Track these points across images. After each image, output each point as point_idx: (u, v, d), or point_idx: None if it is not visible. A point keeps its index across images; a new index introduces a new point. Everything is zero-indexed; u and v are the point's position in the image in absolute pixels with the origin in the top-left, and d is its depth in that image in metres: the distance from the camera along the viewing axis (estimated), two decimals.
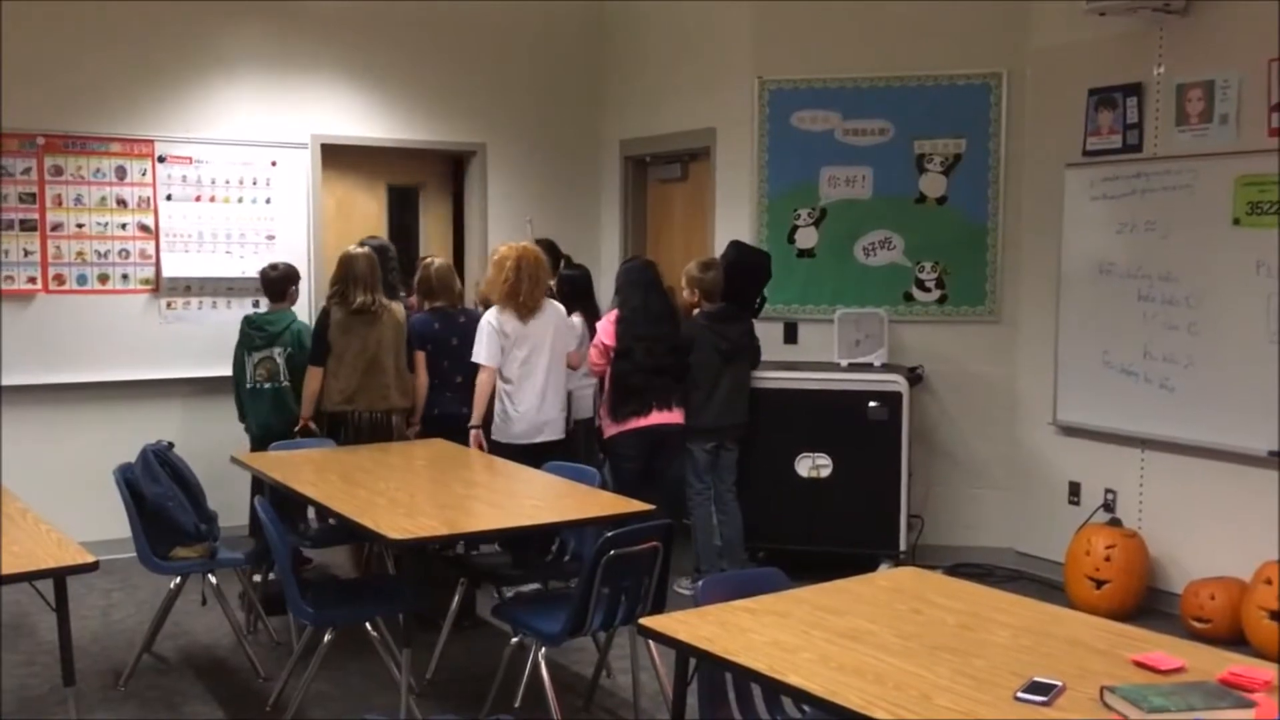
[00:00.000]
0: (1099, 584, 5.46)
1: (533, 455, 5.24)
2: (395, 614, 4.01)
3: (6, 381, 6.07)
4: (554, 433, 5.51)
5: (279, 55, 6.73)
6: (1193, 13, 5.32)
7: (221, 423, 6.50)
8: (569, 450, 5.64)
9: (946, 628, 2.83)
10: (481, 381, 5.40)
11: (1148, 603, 5.57)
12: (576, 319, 5.91)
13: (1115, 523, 5.65)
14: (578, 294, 6.15)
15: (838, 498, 5.90)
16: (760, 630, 2.78)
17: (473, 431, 5.44)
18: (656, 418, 5.64)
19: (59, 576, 3.36)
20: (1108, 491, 5.81)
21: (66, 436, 6.21)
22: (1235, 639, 4.97)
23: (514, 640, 3.96)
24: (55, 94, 6.15)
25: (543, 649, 3.84)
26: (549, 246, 6.20)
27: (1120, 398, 5.68)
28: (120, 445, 5.24)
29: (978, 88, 6.21)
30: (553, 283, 5.95)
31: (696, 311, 5.85)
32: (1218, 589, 5.15)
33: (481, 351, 5.39)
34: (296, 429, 5.71)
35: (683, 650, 2.74)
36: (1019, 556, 6.29)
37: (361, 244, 5.88)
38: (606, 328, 5.73)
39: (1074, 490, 6.00)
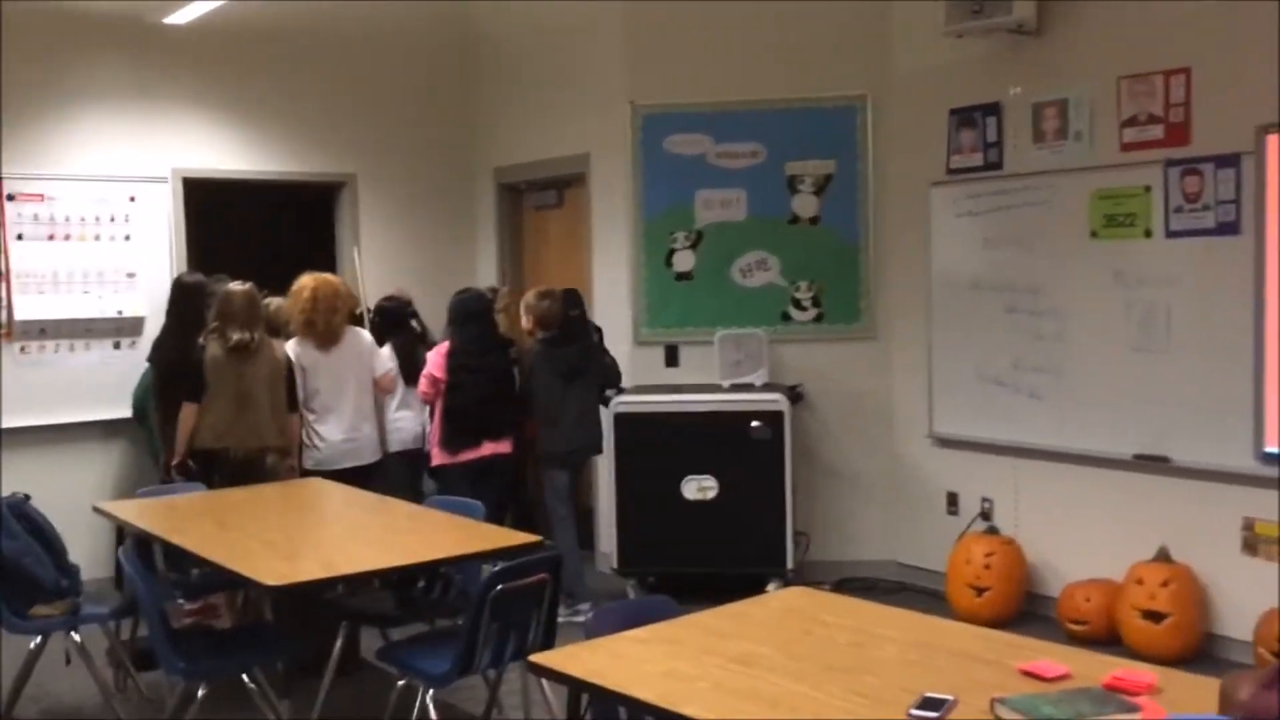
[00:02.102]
0: (980, 591, 5.57)
1: (343, 480, 5.36)
2: (272, 663, 3.85)
3: None
4: (362, 458, 5.73)
5: (136, 86, 6.50)
6: (1046, 33, 5.51)
7: (82, 470, 6.26)
8: (384, 478, 5.78)
9: (837, 646, 2.83)
10: (292, 418, 5.54)
11: (1027, 607, 5.70)
12: (386, 350, 6.05)
13: (992, 531, 5.78)
14: (389, 325, 6.25)
15: (725, 519, 5.90)
16: (653, 660, 2.74)
17: (291, 462, 5.57)
18: (488, 449, 5.81)
19: None
20: (984, 500, 5.94)
21: None
22: (1111, 639, 5.12)
23: (400, 683, 3.83)
24: None
25: (431, 690, 3.73)
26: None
27: (993, 408, 5.82)
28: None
29: (844, 110, 6.32)
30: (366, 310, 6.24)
31: (533, 339, 6.02)
32: (1093, 591, 5.29)
33: (293, 384, 5.53)
34: (174, 465, 5.52)
35: (574, 686, 2.68)
36: (901, 568, 6.38)
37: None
38: (436, 360, 5.82)
39: (952, 500, 6.12)
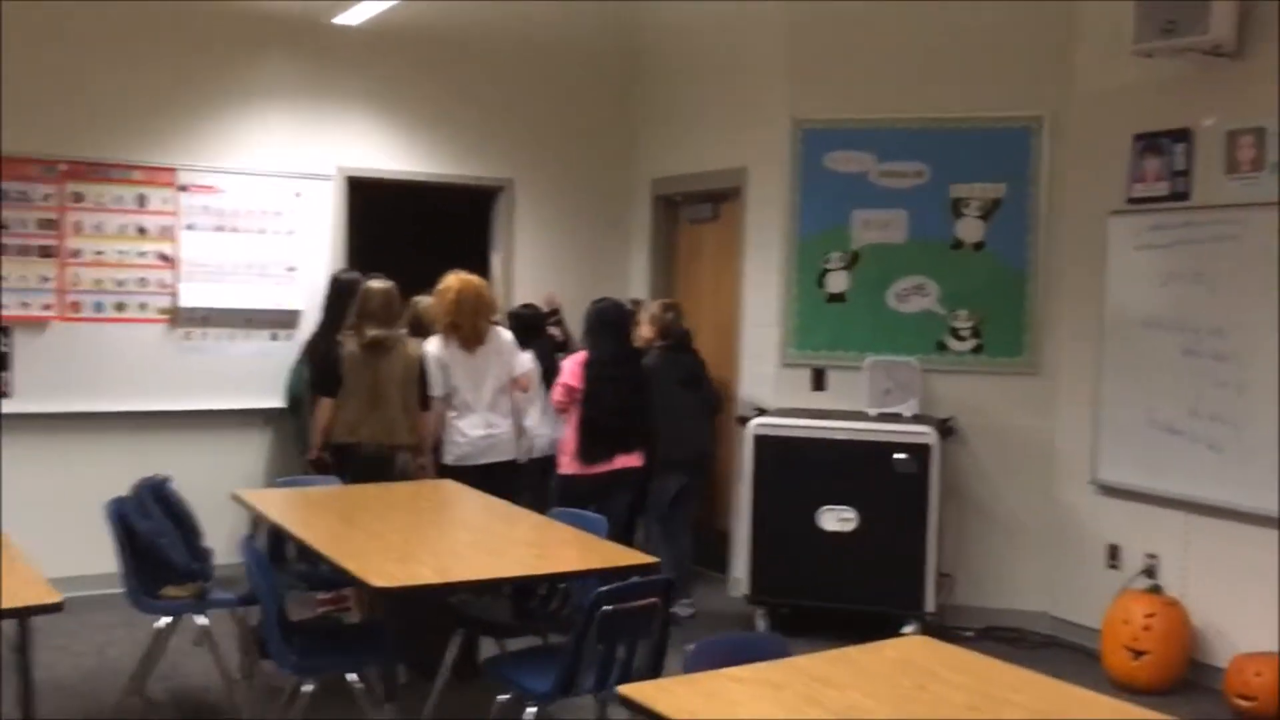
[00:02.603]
0: (1137, 654, 5.15)
1: (481, 478, 5.42)
2: (383, 665, 3.80)
3: (20, 409, 5.99)
4: (501, 454, 5.69)
5: (306, 86, 6.66)
6: (1244, 56, 5.08)
7: (232, 456, 6.42)
8: (521, 479, 5.81)
9: (952, 708, 2.59)
10: (430, 413, 5.60)
11: (1190, 676, 5.24)
12: (528, 353, 6.03)
13: (1156, 589, 5.35)
14: (522, 332, 6.20)
15: (863, 553, 5.64)
16: (749, 703, 2.56)
17: (419, 461, 5.64)
18: (620, 462, 5.75)
19: (22, 617, 3.19)
20: (1149, 556, 5.51)
21: (78, 466, 6.08)
22: None
23: (500, 698, 3.74)
24: (77, 119, 6.11)
25: (532, 708, 3.62)
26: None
27: (1164, 457, 5.39)
28: (131, 476, 5.00)
29: (1018, 131, 5.99)
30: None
31: (652, 345, 6.13)
32: (1264, 665, 4.82)
33: (429, 382, 5.58)
34: (311, 459, 5.66)
35: None
36: (1054, 621, 5.98)
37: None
38: (573, 369, 5.78)
39: (1113, 553, 5.69)
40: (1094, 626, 5.52)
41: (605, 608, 3.45)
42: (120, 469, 5.87)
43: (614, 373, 5.74)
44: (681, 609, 6.06)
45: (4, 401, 5.97)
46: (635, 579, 3.63)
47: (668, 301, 6.42)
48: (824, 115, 6.22)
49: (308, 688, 3.82)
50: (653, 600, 3.58)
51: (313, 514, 4.57)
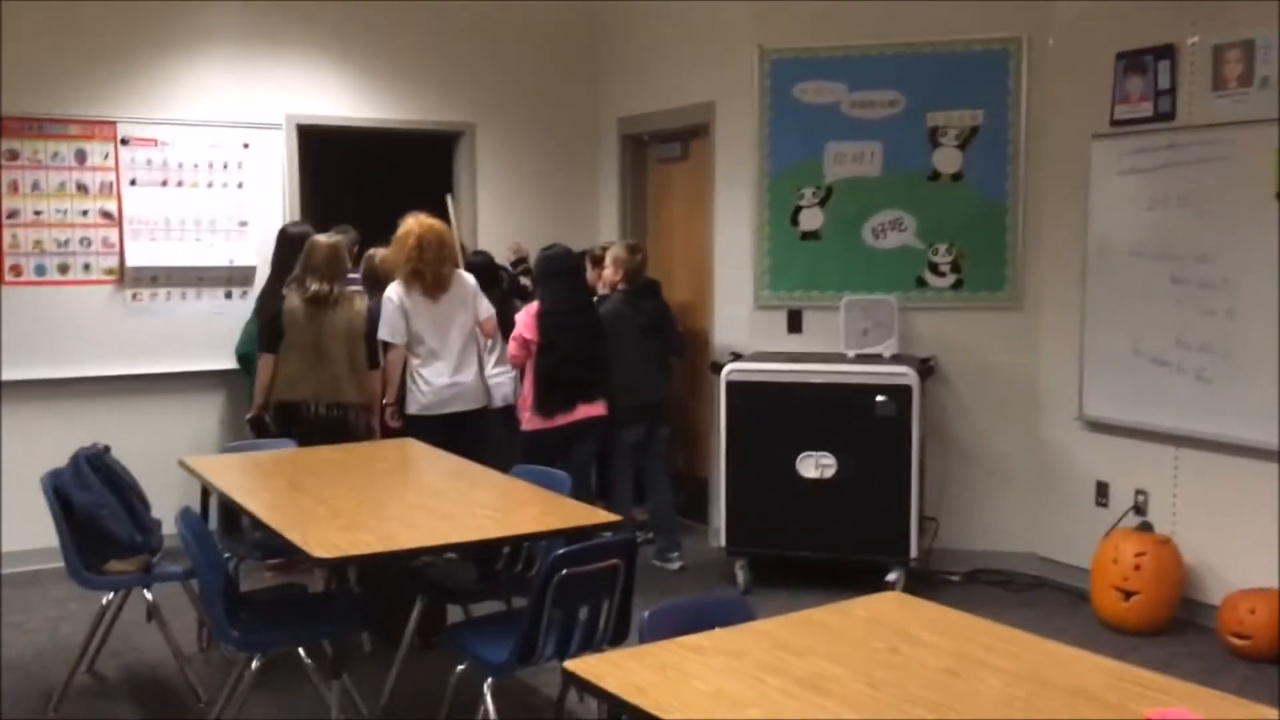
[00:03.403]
0: (1127, 595, 4.99)
1: (447, 426, 5.37)
2: (333, 637, 3.60)
3: None
4: (468, 403, 5.53)
5: (252, 30, 6.34)
6: None
7: (187, 420, 6.20)
8: (486, 429, 5.65)
9: (928, 673, 2.39)
10: (391, 360, 5.45)
11: (1182, 615, 5.09)
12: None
13: (1145, 527, 5.17)
14: (480, 280, 5.88)
15: (843, 500, 5.44)
16: (706, 676, 2.36)
17: (387, 409, 5.49)
18: (581, 411, 5.62)
19: None
20: (1138, 493, 5.32)
21: (27, 436, 5.85)
22: (1278, 657, 4.50)
23: (459, 668, 3.55)
24: (9, 73, 5.79)
25: (490, 680, 3.42)
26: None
27: (1152, 390, 5.19)
28: (83, 443, 4.83)
29: (996, 54, 5.71)
30: None
31: (615, 289, 5.95)
32: (1259, 602, 4.66)
33: (385, 329, 5.40)
34: (248, 418, 5.52)
35: (611, 702, 2.31)
36: (1042, 562, 5.81)
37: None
38: (527, 320, 5.61)
39: (1102, 491, 5.51)
40: (1083, 566, 5.36)
41: (563, 571, 3.26)
42: (71, 437, 5.59)
43: (569, 322, 5.55)
44: (670, 562, 5.97)
45: None
46: (594, 540, 3.43)
47: (632, 243, 6.20)
48: (792, 44, 5.93)
49: (255, 663, 3.62)
50: (613, 561, 3.38)
51: (261, 480, 4.36)
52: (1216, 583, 4.98)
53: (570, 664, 2.44)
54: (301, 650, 3.67)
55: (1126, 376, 5.30)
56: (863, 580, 5.31)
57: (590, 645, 3.43)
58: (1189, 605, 5.08)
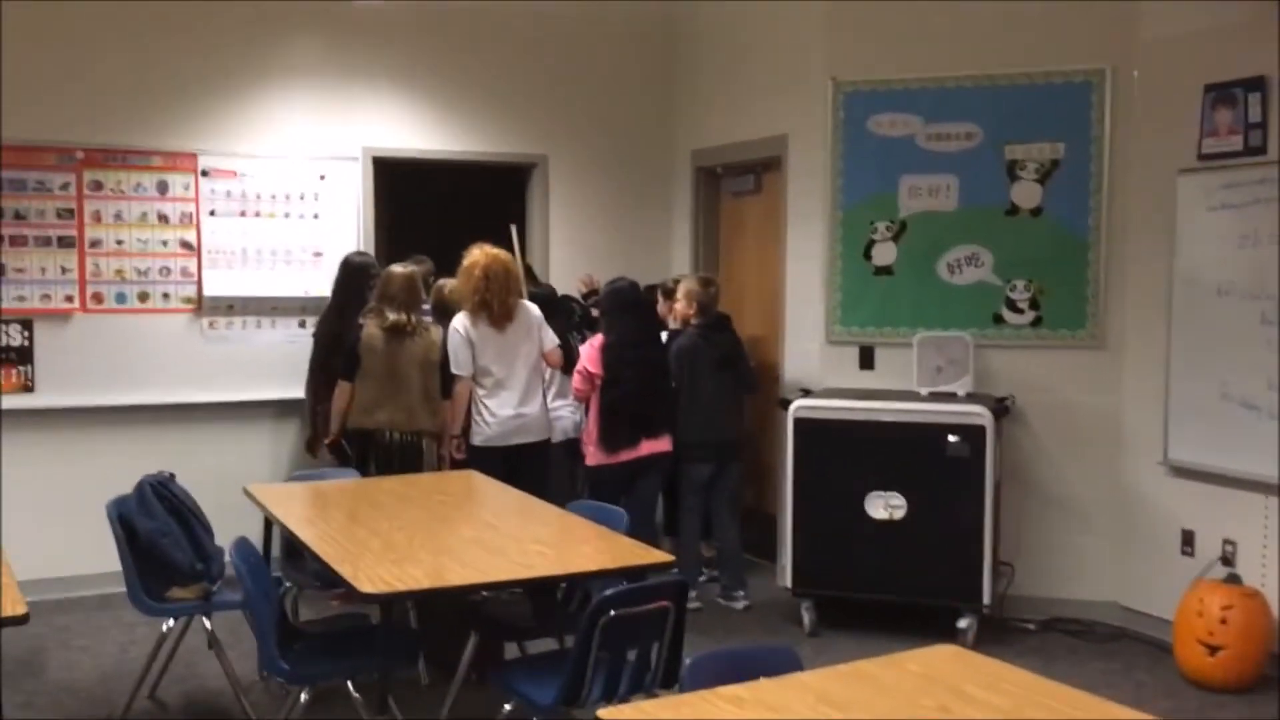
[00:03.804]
0: (1213, 650, 4.75)
1: (510, 458, 5.33)
2: (373, 673, 3.57)
3: (44, 404, 5.88)
4: (532, 435, 5.47)
5: (329, 65, 6.44)
6: None
7: (259, 448, 6.27)
8: (548, 462, 5.61)
9: None
10: (458, 392, 5.40)
11: (1272, 672, 4.83)
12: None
13: (1233, 579, 4.93)
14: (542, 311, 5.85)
15: (913, 542, 5.29)
16: None
17: (453, 441, 5.45)
18: (646, 448, 5.57)
19: None
20: (1226, 543, 5.08)
21: (103, 460, 5.94)
22: None
23: (507, 707, 3.49)
24: (94, 106, 5.96)
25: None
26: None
27: (1241, 435, 4.96)
28: (157, 469, 4.88)
29: (1078, 86, 5.56)
30: None
31: (689, 324, 5.88)
32: None
33: (453, 362, 5.37)
34: (328, 443, 5.55)
35: None
36: (1124, 612, 5.57)
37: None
38: (591, 354, 5.57)
39: (1187, 539, 5.28)
40: (1167, 618, 5.12)
41: (610, 613, 3.19)
42: (146, 463, 5.67)
43: (633, 356, 5.49)
44: (735, 601, 5.87)
45: (28, 396, 5.86)
46: (646, 582, 3.35)
47: (706, 277, 6.15)
48: (866, 75, 5.84)
49: (305, 696, 3.61)
50: (663, 603, 3.30)
51: (321, 510, 4.37)
52: None
53: (604, 712, 2.36)
54: (350, 684, 3.64)
55: (1213, 420, 5.08)
56: (934, 625, 5.17)
57: (639, 688, 3.35)
58: (1278, 662, 4.82)
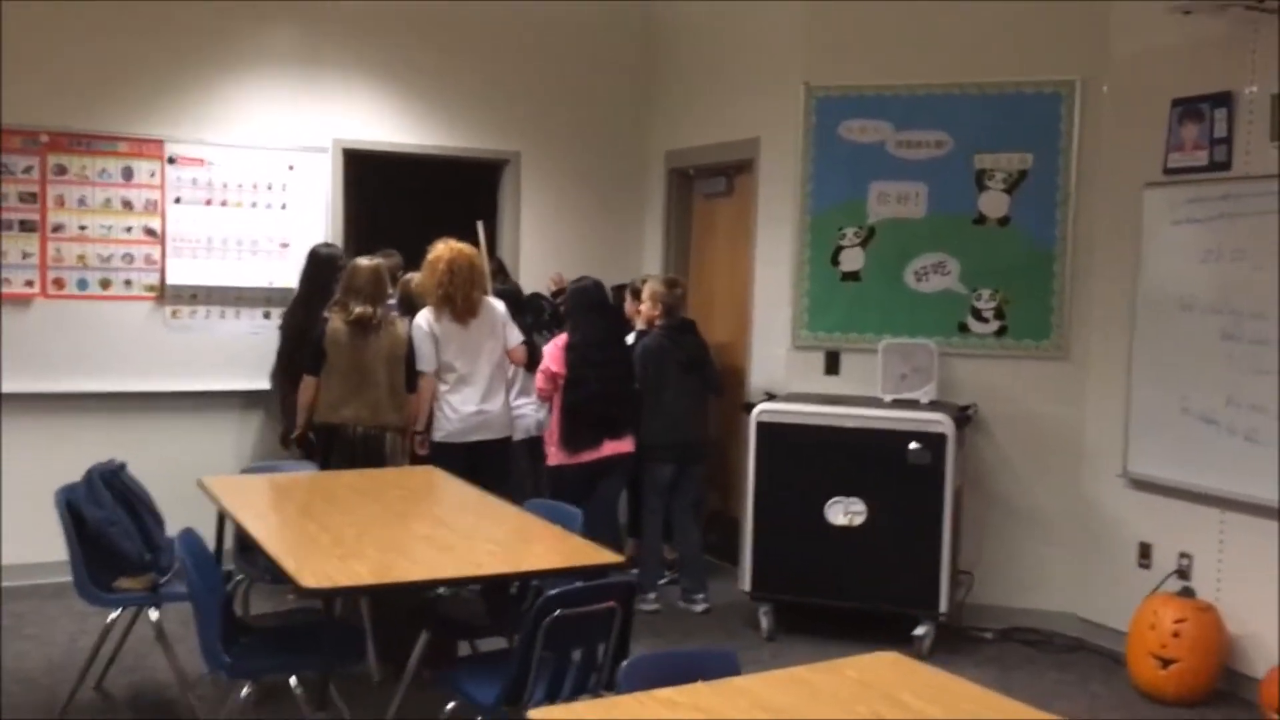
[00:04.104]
0: (1165, 663, 4.76)
1: (471, 454, 5.33)
2: (315, 670, 3.54)
3: (4, 389, 5.81)
4: (494, 431, 5.49)
5: (301, 55, 6.40)
6: None
7: (219, 439, 6.22)
8: (510, 460, 5.61)
9: None
10: (422, 387, 5.39)
11: (1225, 685, 4.85)
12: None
13: (1187, 592, 4.94)
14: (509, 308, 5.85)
15: (872, 549, 5.28)
16: None
17: (416, 437, 5.41)
18: (609, 448, 5.56)
19: None
20: (1182, 556, 5.10)
21: (63, 447, 5.86)
22: None
23: (449, 705, 3.46)
24: (60, 89, 5.89)
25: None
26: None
27: (1199, 450, 4.97)
28: (117, 458, 4.82)
29: (1048, 97, 5.57)
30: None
31: (653, 325, 5.87)
32: None
33: (418, 357, 5.37)
34: (294, 437, 5.48)
35: None
36: (1082, 624, 5.58)
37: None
38: (554, 354, 5.55)
39: (1144, 552, 5.29)
40: (1124, 630, 5.13)
41: (557, 612, 3.17)
42: (105, 451, 5.62)
43: (598, 356, 5.48)
44: (695, 604, 5.86)
45: None
46: (592, 582, 3.33)
47: (671, 278, 6.15)
48: (839, 81, 5.83)
49: (245, 690, 3.57)
50: (609, 604, 3.28)
51: (274, 503, 4.34)
52: (1261, 654, 4.73)
53: (535, 713, 2.34)
54: (293, 680, 3.61)
55: (1173, 434, 5.09)
56: (891, 632, 5.16)
57: (584, 690, 3.33)
58: (1231, 676, 4.84)
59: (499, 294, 5.80)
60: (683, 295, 6.00)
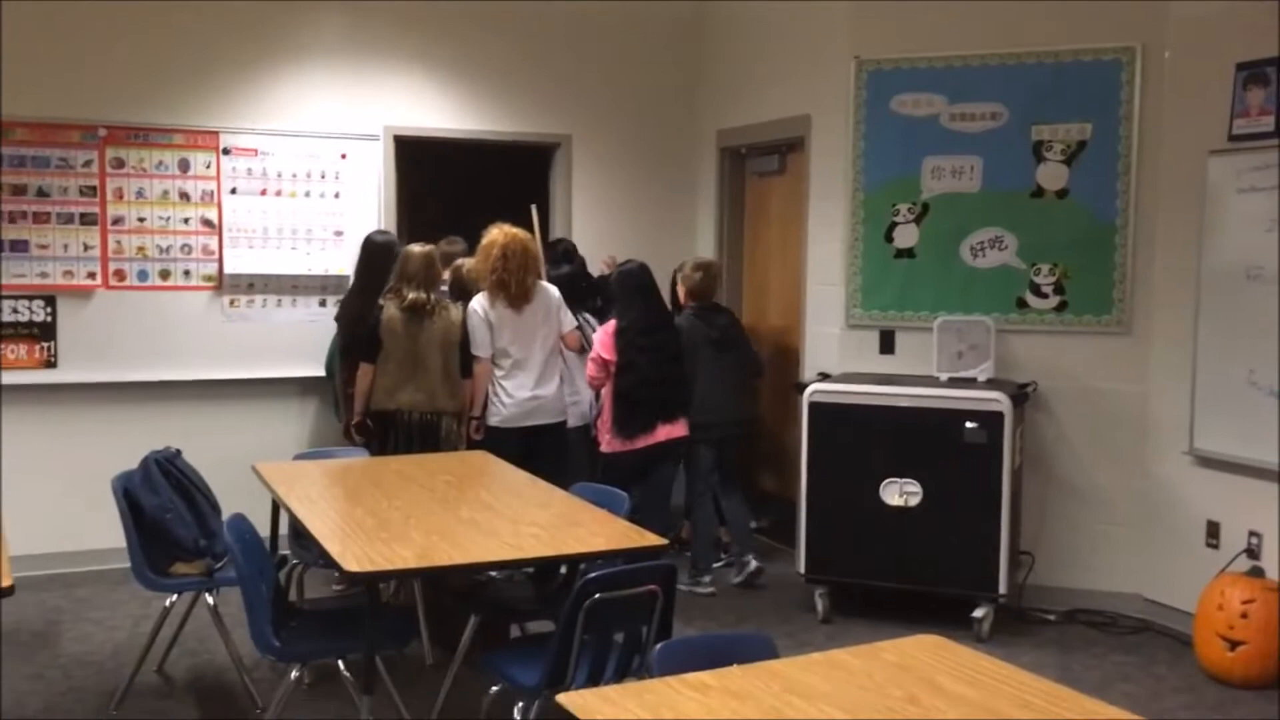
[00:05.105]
0: (1233, 645, 4.63)
1: (526, 439, 5.36)
2: (363, 653, 3.55)
3: (66, 379, 5.94)
4: (548, 416, 5.49)
5: (351, 43, 6.43)
6: None
7: (277, 426, 6.30)
8: (565, 444, 5.62)
9: None
10: (478, 373, 5.41)
11: None
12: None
13: (1256, 572, 4.79)
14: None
15: (929, 530, 5.20)
16: (700, 717, 2.22)
17: (472, 422, 5.44)
18: (663, 433, 5.51)
19: None
20: (1251, 535, 4.95)
21: (125, 435, 5.93)
22: None
23: (493, 689, 3.47)
24: (117, 84, 5.99)
25: (521, 704, 3.33)
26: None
27: (1268, 424, 4.81)
28: (177, 446, 4.89)
29: (1106, 65, 5.41)
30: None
31: (686, 306, 5.89)
32: None
33: (473, 342, 5.39)
34: (354, 424, 5.50)
35: None
36: (1148, 605, 5.45)
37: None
38: (604, 340, 5.52)
39: (1213, 531, 5.14)
40: (1191, 611, 5.00)
41: (595, 595, 3.15)
42: (165, 439, 5.70)
43: (646, 341, 5.45)
44: (746, 568, 5.83)
45: (51, 371, 5.92)
46: (632, 565, 3.31)
47: (703, 261, 6.08)
48: (890, 54, 5.72)
49: (295, 673, 3.61)
50: (649, 588, 3.25)
51: (323, 488, 4.37)
52: None
53: (564, 697, 2.32)
54: (341, 663, 3.64)
55: (1241, 409, 4.93)
56: (950, 614, 5.09)
57: (626, 673, 3.31)
58: None
59: (567, 278, 5.81)
60: (714, 277, 5.97)
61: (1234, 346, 4.97)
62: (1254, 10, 4.86)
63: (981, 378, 5.41)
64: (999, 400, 5.11)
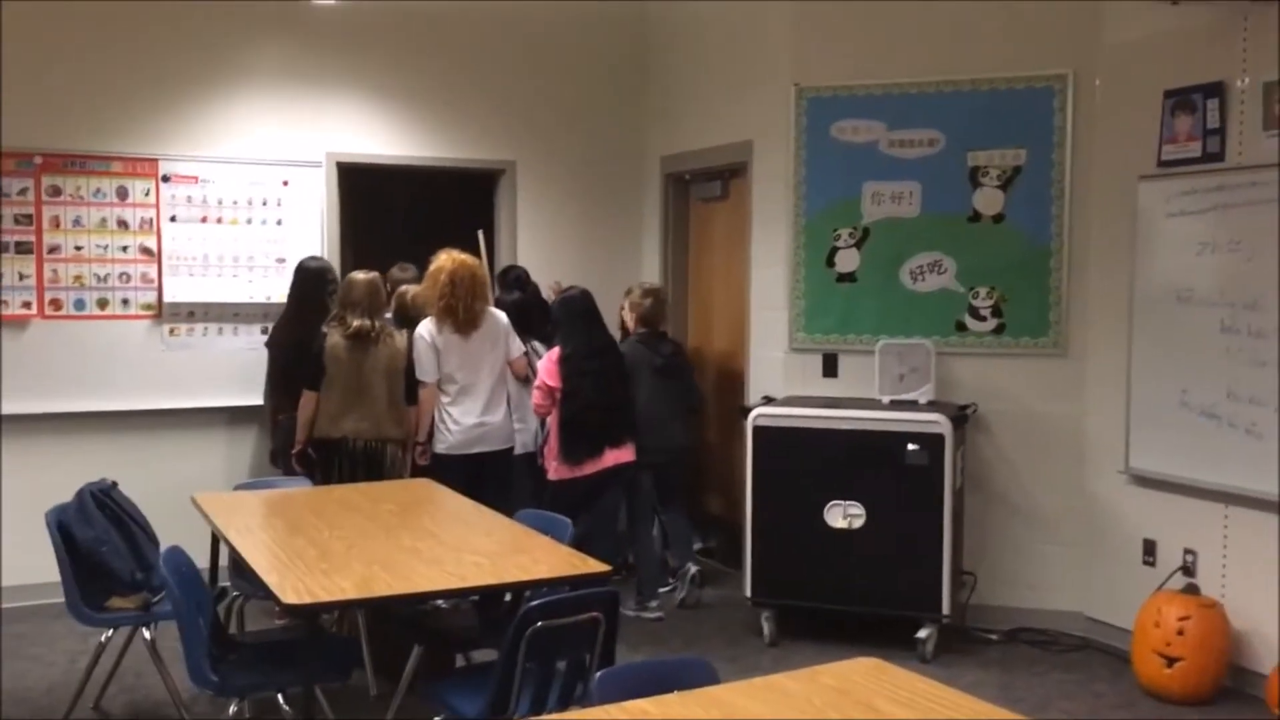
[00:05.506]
0: (1170, 661, 4.70)
1: (472, 466, 5.34)
2: (302, 685, 3.52)
3: (3, 410, 5.84)
4: (495, 443, 5.47)
5: (292, 69, 6.41)
6: None
7: (217, 456, 6.23)
8: (511, 471, 5.60)
9: None
10: (423, 398, 5.39)
11: (1231, 683, 4.78)
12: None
13: (1191, 589, 4.88)
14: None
15: (872, 552, 5.24)
16: None
17: (417, 448, 5.44)
18: (611, 458, 5.52)
19: None
20: (1187, 552, 5.04)
21: (62, 467, 5.83)
22: None
23: (436, 719, 3.44)
24: (53, 110, 5.92)
25: None
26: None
27: (1202, 444, 4.91)
28: (117, 477, 4.82)
29: (1040, 92, 5.52)
30: None
31: (631, 333, 5.96)
32: None
33: (419, 368, 5.36)
34: (294, 453, 5.44)
35: None
36: (1089, 623, 5.53)
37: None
38: (549, 367, 5.52)
39: (1149, 549, 5.23)
40: (1130, 628, 5.07)
41: (538, 624, 3.14)
42: (106, 469, 5.64)
43: (591, 366, 5.46)
44: (644, 609, 5.78)
45: None
46: (574, 593, 3.31)
47: (648, 286, 6.15)
48: (829, 81, 5.80)
49: (233, 708, 3.56)
50: (592, 615, 3.25)
51: (264, 518, 4.32)
52: (1267, 650, 4.67)
53: None
54: (281, 697, 3.60)
55: (1175, 429, 5.03)
56: (895, 635, 5.13)
57: (571, 700, 3.30)
58: (1237, 673, 4.78)
59: (517, 304, 5.82)
60: (661, 304, 6.04)
61: (1166, 367, 5.07)
62: (1181, 38, 4.99)
63: (923, 400, 5.47)
64: (939, 422, 5.17)
